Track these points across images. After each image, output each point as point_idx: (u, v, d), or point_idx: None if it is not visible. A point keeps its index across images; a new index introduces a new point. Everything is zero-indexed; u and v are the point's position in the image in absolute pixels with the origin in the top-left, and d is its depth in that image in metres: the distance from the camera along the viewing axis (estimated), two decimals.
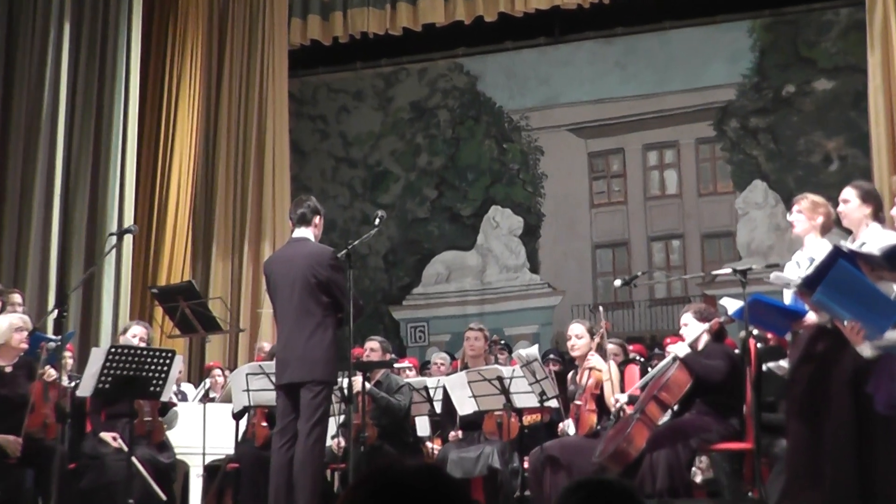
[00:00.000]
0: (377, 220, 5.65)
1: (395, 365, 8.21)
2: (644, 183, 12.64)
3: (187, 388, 9.65)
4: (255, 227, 11.81)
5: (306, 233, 5.56)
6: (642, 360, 7.15)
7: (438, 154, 13.81)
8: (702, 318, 5.65)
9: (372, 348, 7.33)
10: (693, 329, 5.65)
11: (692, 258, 12.26)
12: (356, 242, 5.50)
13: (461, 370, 6.98)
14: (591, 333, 6.17)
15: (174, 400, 7.51)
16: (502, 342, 9.32)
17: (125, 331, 7.07)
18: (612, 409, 5.72)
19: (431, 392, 7.53)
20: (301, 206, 5.61)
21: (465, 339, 7.23)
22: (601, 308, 6.27)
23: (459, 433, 6.92)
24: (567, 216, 12.79)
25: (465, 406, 6.66)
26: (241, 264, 11.63)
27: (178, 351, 6.89)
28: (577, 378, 6.18)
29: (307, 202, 5.65)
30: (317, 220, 5.59)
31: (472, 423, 6.86)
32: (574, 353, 6.23)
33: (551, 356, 8.83)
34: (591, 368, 6.03)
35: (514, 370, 6.35)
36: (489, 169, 13.49)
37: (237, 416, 7.18)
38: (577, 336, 6.19)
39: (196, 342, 11.16)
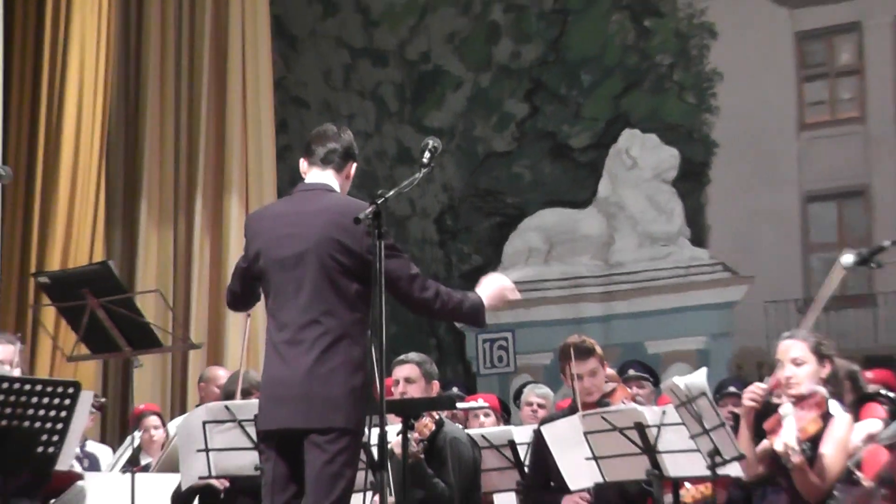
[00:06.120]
0: (426, 157, 5.63)
1: (460, 406, 8.15)
2: None
3: (100, 448, 9.73)
4: (212, 170, 11.91)
5: (328, 178, 5.67)
6: (891, 396, 7.08)
7: (531, 39, 13.78)
8: None
9: (407, 377, 7.31)
10: None
11: None
12: (390, 194, 5.40)
13: (572, 414, 7.00)
14: (821, 356, 6.14)
15: (78, 469, 7.54)
16: (632, 370, 9.28)
17: None
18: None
19: (522, 453, 7.55)
20: (329, 140, 5.72)
21: (564, 371, 7.30)
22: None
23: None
24: (758, 146, 12.72)
25: (578, 474, 6.72)
26: (191, 234, 11.76)
27: (84, 384, 6.93)
28: (769, 426, 6.14)
29: (343, 135, 5.77)
30: (349, 169, 5.74)
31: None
32: (792, 393, 6.10)
33: (731, 390, 8.76)
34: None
35: (663, 413, 6.38)
36: (620, 66, 13.39)
37: (182, 502, 7.21)
38: (797, 362, 6.13)
39: (116, 369, 11.24)
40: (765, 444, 6.03)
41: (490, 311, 5.60)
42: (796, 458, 5.79)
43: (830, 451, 5.91)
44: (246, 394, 7.35)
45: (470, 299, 5.57)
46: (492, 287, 5.65)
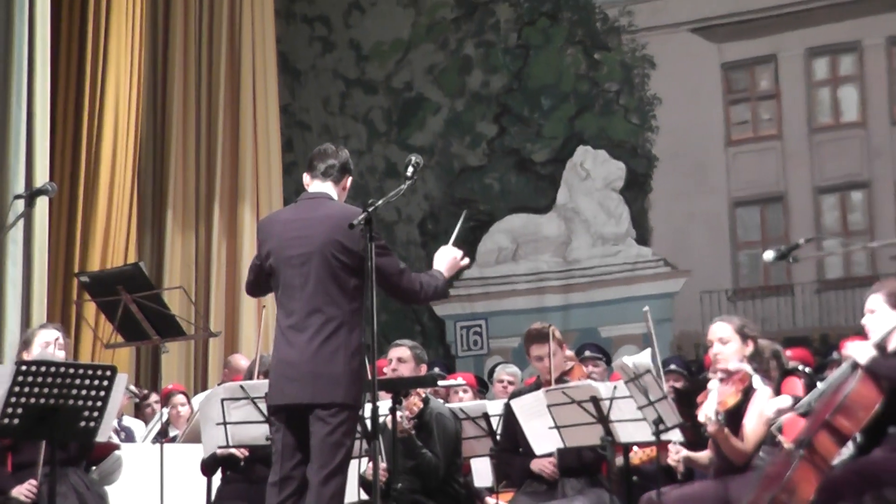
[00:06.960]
0: (409, 171, 5.68)
1: (441, 383, 8.17)
2: (808, 107, 12.51)
3: (134, 422, 9.76)
4: (228, 183, 11.92)
5: (328, 188, 5.69)
6: (808, 371, 7.11)
7: (498, 71, 13.78)
8: None
9: (400, 357, 7.33)
10: (884, 320, 5.60)
11: (882, 218, 12.13)
12: (379, 203, 5.45)
13: (537, 390, 7.04)
14: (744, 336, 6.22)
15: (115, 440, 7.55)
16: (588, 351, 9.29)
17: (27, 342, 7.06)
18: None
19: (495, 423, 7.58)
20: (328, 157, 5.74)
21: (528, 353, 7.32)
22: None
23: (550, 465, 7.03)
24: (691, 160, 12.74)
25: (542, 440, 6.79)
26: (210, 238, 11.77)
27: (119, 367, 6.93)
28: (700, 398, 6.22)
29: (340, 153, 5.80)
30: (346, 181, 5.76)
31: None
32: (719, 367, 6.21)
33: (672, 367, 8.73)
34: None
35: (615, 388, 6.43)
36: (574, 92, 13.39)
37: (209, 467, 7.24)
38: (723, 341, 6.21)
39: (147, 354, 11.24)
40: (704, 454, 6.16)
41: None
42: (712, 428, 5.89)
43: (752, 421, 5.99)
44: (265, 374, 7.34)
45: (438, 280, 5.62)
46: (446, 260, 5.71)
